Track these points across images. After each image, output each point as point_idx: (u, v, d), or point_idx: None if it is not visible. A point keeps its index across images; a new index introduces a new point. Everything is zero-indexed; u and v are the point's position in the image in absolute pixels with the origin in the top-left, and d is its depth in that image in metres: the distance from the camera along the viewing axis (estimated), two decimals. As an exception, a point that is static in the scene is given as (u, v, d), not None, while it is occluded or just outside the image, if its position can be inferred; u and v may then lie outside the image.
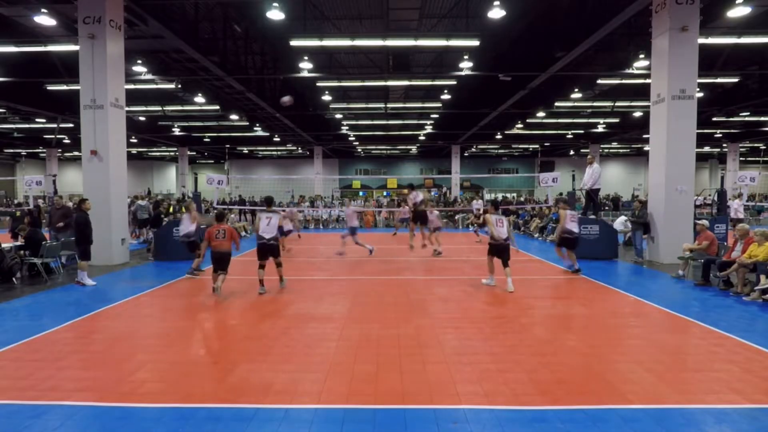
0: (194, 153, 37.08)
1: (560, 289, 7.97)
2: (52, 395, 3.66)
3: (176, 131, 27.40)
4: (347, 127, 27.18)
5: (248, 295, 7.31)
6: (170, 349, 4.79)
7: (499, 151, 38.25)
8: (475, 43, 13.06)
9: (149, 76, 15.14)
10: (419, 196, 11.49)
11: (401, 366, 4.22)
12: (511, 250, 7.85)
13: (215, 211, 10.87)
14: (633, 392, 3.67)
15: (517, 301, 6.86)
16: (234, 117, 22.41)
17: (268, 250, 7.70)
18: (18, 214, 13.08)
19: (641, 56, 13.54)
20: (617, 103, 21.10)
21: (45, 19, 11.03)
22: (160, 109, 21.99)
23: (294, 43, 13.17)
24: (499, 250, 7.81)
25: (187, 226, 9.19)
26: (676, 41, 9.74)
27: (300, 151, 35.96)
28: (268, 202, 8.40)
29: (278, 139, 29.74)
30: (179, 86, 16.02)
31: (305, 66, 14.64)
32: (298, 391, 3.71)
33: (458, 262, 10.80)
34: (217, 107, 20.67)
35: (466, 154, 36.46)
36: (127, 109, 10.83)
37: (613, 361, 4.35)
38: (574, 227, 8.87)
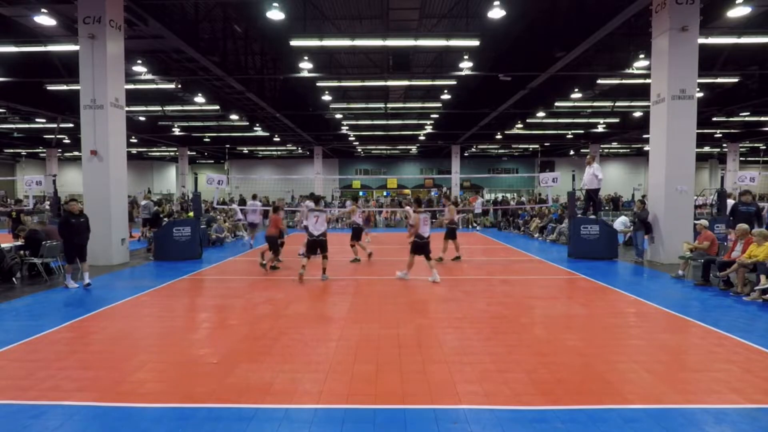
0: (194, 153, 37.09)
1: (560, 289, 7.98)
2: (52, 395, 3.65)
3: (176, 131, 27.41)
4: (347, 127, 27.19)
5: (248, 295, 7.31)
6: (170, 349, 4.79)
7: (499, 151, 38.26)
8: (475, 42, 13.06)
9: (149, 76, 15.15)
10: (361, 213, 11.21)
11: (401, 366, 4.22)
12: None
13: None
14: (633, 392, 3.67)
15: (517, 301, 6.87)
16: (234, 117, 22.41)
17: (318, 246, 8.45)
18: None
19: (641, 56, 13.54)
20: (617, 103, 21.11)
21: (45, 19, 11.04)
22: (160, 109, 21.99)
23: (294, 43, 13.17)
24: (424, 247, 8.32)
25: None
26: (676, 41, 9.74)
27: (300, 151, 35.98)
28: (316, 200, 9.27)
29: (278, 139, 29.75)
30: (179, 86, 16.03)
31: (305, 66, 14.64)
32: (298, 391, 3.71)
33: (458, 262, 10.79)
34: (217, 107, 20.67)
35: (466, 154, 36.47)
36: (127, 109, 10.83)
37: (613, 361, 4.35)
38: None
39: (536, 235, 16.53)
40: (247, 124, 24.71)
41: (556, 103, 20.34)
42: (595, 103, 21.26)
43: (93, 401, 3.55)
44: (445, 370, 4.12)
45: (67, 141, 28.68)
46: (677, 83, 9.86)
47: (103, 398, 3.60)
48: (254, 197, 16.00)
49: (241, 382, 3.90)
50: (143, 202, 15.95)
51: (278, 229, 9.65)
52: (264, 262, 9.66)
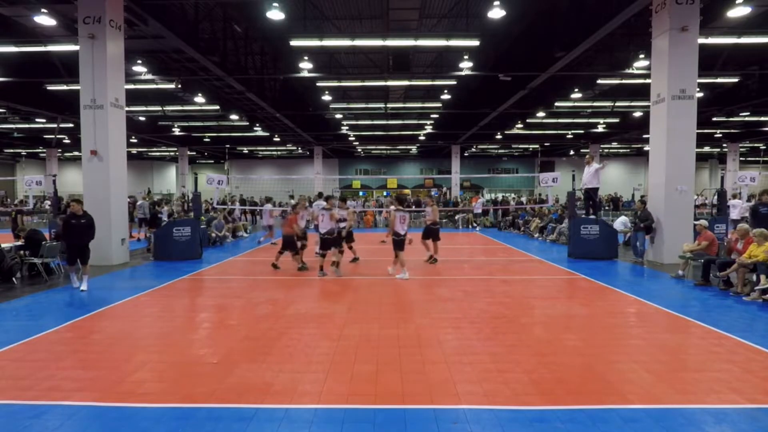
0: (194, 153, 37.10)
1: (560, 289, 7.98)
2: (52, 395, 3.66)
3: (176, 131, 27.43)
4: (347, 127, 27.20)
5: (248, 295, 7.31)
6: (170, 349, 4.79)
7: (499, 151, 38.27)
8: (475, 43, 13.06)
9: (149, 76, 15.15)
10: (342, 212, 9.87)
11: (401, 366, 4.23)
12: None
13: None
14: (633, 392, 3.67)
15: (517, 301, 6.87)
16: (234, 117, 22.42)
17: (324, 243, 8.93)
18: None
19: (641, 56, 13.54)
20: (617, 103, 21.11)
21: (45, 19, 11.03)
22: (160, 109, 22.00)
23: (294, 43, 13.18)
24: (401, 244, 8.66)
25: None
26: (676, 41, 9.74)
27: (300, 151, 35.98)
28: (326, 199, 9.47)
29: (278, 139, 29.76)
30: (179, 86, 16.04)
31: (305, 66, 14.65)
32: (298, 391, 3.71)
33: (457, 262, 10.80)
34: (217, 107, 20.68)
35: (466, 154, 36.48)
36: (127, 109, 10.82)
37: (613, 361, 4.36)
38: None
39: (536, 235, 16.54)
40: (247, 124, 24.72)
41: (556, 103, 20.35)
42: (595, 103, 21.28)
43: (93, 401, 3.55)
44: (445, 370, 4.12)
45: (67, 141, 28.70)
46: (677, 83, 9.86)
47: (103, 398, 3.60)
48: (268, 200, 16.15)
49: (241, 382, 3.90)
50: (139, 202, 15.99)
51: (295, 228, 9.55)
52: (300, 265, 9.56)
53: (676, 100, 9.89)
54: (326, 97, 19.88)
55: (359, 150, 36.97)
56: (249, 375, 4.04)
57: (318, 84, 17.82)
